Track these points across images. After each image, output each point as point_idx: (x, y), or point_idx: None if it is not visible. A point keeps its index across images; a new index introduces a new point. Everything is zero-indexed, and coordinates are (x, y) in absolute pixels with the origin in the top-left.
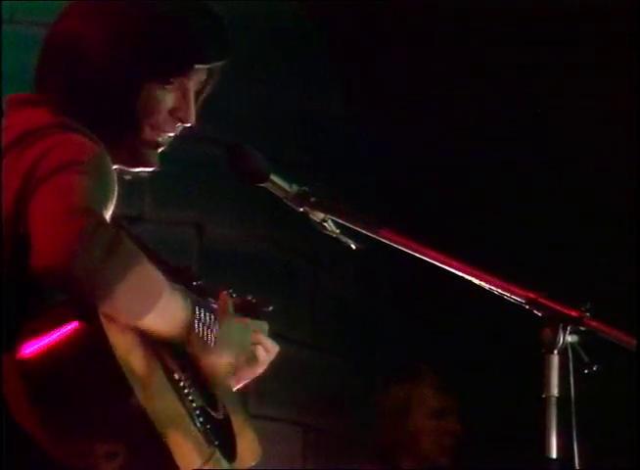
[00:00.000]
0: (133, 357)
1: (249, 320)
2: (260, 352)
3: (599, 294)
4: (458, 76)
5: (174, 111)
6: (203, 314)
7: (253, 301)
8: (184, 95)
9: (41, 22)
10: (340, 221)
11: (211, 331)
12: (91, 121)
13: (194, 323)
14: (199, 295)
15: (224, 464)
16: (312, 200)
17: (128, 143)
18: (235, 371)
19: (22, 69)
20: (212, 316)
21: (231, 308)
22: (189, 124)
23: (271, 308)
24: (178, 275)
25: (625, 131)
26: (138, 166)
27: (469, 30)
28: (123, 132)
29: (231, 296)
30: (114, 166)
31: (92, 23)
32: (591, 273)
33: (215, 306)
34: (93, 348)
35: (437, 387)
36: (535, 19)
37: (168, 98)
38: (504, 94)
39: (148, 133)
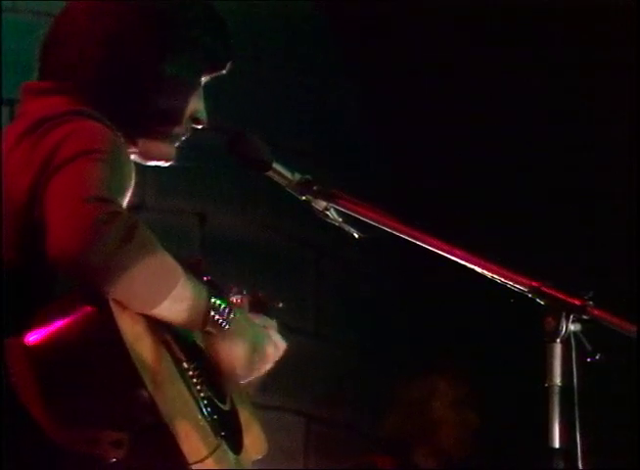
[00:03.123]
0: (142, 345)
1: (260, 315)
2: (270, 348)
3: (598, 283)
4: (458, 73)
5: (195, 112)
6: (218, 303)
7: (263, 297)
8: (200, 96)
9: (43, 10)
10: (342, 210)
11: (227, 320)
12: (131, 117)
13: (210, 311)
14: None
15: (230, 456)
16: (314, 188)
17: (161, 137)
18: (247, 362)
19: (23, 57)
20: (228, 306)
21: (246, 307)
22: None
23: (281, 305)
24: (187, 269)
25: (625, 130)
26: (160, 160)
27: (472, 31)
28: (168, 128)
29: (242, 292)
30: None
31: (133, 18)
32: (591, 263)
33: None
34: (102, 334)
35: (452, 380)
36: (535, 19)
37: (195, 97)
38: (507, 93)
39: (179, 129)
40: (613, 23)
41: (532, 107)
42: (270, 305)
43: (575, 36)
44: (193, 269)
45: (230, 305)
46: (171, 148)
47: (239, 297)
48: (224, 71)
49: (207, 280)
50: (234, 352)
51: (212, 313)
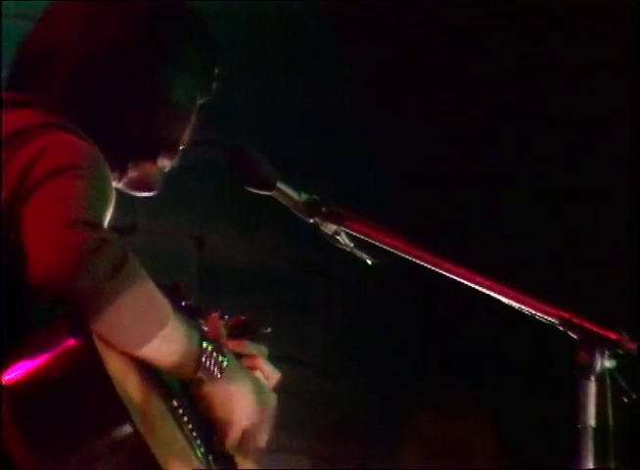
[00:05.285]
0: (129, 383)
1: (247, 342)
2: (269, 398)
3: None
4: (461, 77)
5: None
6: (210, 348)
7: (249, 321)
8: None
9: None
10: (353, 234)
11: (219, 367)
12: (126, 143)
13: (201, 357)
14: (187, 316)
15: None
16: (323, 210)
17: (146, 167)
18: (244, 413)
19: None
20: (221, 352)
21: (223, 332)
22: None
23: (269, 330)
24: (165, 294)
25: (626, 130)
26: (144, 191)
27: (471, 32)
28: (166, 157)
29: (222, 318)
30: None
31: (125, 38)
32: (590, 263)
33: (206, 328)
34: (87, 370)
35: (467, 413)
36: (535, 18)
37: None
38: (507, 94)
39: (173, 159)
40: (613, 23)
41: (532, 107)
42: (257, 330)
43: (575, 36)
44: (172, 293)
45: (223, 351)
46: (159, 177)
47: (222, 322)
48: (209, 97)
49: (186, 305)
50: (230, 401)
51: (204, 360)
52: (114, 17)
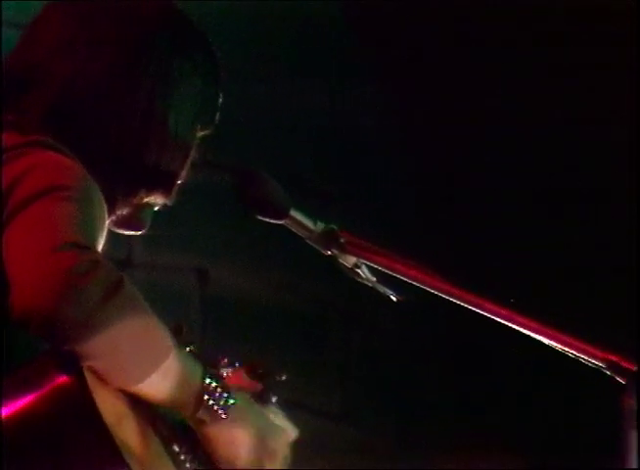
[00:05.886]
0: (125, 425)
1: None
2: (279, 441)
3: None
4: (460, 77)
5: None
6: (214, 385)
7: (263, 368)
8: None
9: None
10: (376, 267)
11: (224, 406)
12: (119, 177)
13: (204, 395)
14: None
15: None
16: (342, 240)
17: (136, 203)
18: (250, 458)
19: None
20: (226, 390)
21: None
22: None
23: (284, 378)
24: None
25: (626, 130)
26: (132, 230)
27: (471, 31)
28: (148, 191)
29: (233, 365)
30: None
31: (125, 38)
32: (589, 264)
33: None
34: (77, 412)
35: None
36: (535, 19)
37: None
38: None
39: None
40: (613, 23)
41: (532, 107)
42: (271, 378)
43: (575, 36)
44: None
45: (228, 388)
46: (149, 215)
47: (231, 370)
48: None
49: (190, 352)
50: (235, 445)
51: (207, 398)
52: (113, 20)
